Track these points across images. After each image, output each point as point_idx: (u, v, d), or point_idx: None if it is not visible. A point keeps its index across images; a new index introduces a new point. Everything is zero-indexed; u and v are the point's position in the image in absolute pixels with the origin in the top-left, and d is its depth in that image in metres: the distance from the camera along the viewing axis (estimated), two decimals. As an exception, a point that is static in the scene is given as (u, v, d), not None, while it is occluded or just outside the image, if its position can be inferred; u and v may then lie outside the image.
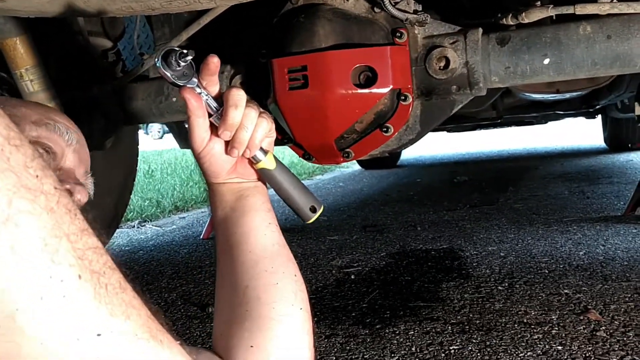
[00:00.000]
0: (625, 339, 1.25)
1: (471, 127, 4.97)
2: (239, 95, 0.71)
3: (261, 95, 1.35)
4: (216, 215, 0.80)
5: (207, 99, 0.72)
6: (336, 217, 3.27)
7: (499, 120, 4.19)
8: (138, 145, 2.49)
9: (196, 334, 1.53)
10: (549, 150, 6.40)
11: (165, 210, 4.13)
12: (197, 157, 0.76)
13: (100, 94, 1.66)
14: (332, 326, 1.47)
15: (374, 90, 1.23)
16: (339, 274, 2.00)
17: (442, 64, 1.27)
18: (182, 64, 0.69)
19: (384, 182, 5.04)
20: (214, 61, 0.72)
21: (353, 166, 6.86)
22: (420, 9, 1.26)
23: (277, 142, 1.50)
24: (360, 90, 1.23)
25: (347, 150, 1.35)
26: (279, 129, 1.38)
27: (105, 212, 2.29)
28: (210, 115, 0.73)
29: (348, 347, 1.32)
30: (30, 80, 1.50)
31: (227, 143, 0.74)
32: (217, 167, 0.76)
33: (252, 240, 0.77)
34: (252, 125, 0.73)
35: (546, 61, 1.25)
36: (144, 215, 3.91)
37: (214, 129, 0.73)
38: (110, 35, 1.80)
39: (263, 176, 0.80)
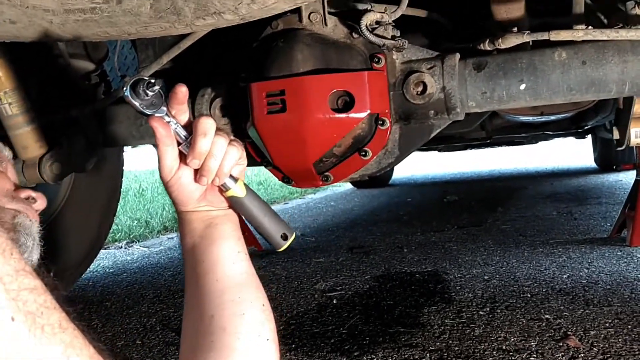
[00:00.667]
0: (603, 366, 1.24)
1: (461, 147, 4.99)
2: (207, 124, 0.72)
3: (241, 119, 1.35)
4: (185, 244, 0.79)
5: (176, 128, 0.72)
6: (324, 238, 3.25)
7: (489, 141, 4.21)
8: (123, 166, 2.48)
9: (172, 360, 1.51)
10: (539, 170, 6.42)
11: (153, 230, 4.11)
12: (166, 186, 0.76)
13: (80, 116, 1.65)
14: (309, 353, 1.46)
15: (352, 114, 1.23)
16: (321, 298, 1.98)
17: (420, 89, 1.27)
18: (150, 93, 0.70)
19: (375, 201, 5.03)
20: (182, 90, 0.73)
21: (345, 185, 6.86)
22: (398, 34, 1.27)
23: (255, 163, 1.50)
24: (338, 115, 1.23)
25: (327, 173, 1.35)
26: (257, 152, 1.38)
27: (88, 233, 2.27)
28: (179, 144, 0.73)
29: (324, 375, 1.30)
30: (9, 103, 1.49)
31: (196, 171, 0.74)
32: (185, 196, 0.76)
33: (219, 269, 0.76)
34: (221, 153, 0.73)
35: (522, 86, 1.25)
36: (132, 236, 3.88)
37: (183, 158, 0.73)
38: (93, 57, 1.80)
39: (233, 204, 0.79)
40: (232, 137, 0.76)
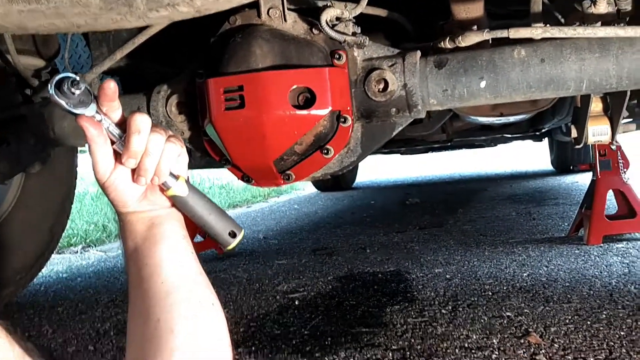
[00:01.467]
0: (563, 362, 1.24)
1: (423, 150, 5.05)
2: (142, 120, 0.68)
3: (198, 116, 1.31)
4: (127, 247, 0.75)
5: (108, 126, 0.69)
6: (287, 241, 3.22)
7: (450, 143, 4.27)
8: (76, 167, 2.40)
9: (127, 366, 1.44)
10: (498, 173, 6.55)
11: (111, 234, 3.99)
12: (102, 187, 0.72)
13: (29, 114, 1.58)
14: (269, 356, 1.42)
15: (313, 111, 1.21)
16: (283, 300, 1.95)
17: (381, 86, 1.26)
18: (77, 91, 0.66)
19: (339, 204, 5.03)
20: (111, 86, 0.69)
21: (309, 189, 6.84)
22: (359, 31, 1.26)
23: (215, 164, 1.45)
24: (298, 112, 1.20)
25: (288, 172, 1.32)
26: (215, 150, 1.34)
27: (40, 236, 2.18)
28: (113, 143, 0.69)
29: (285, 378, 1.27)
30: (-48, 101, 1.41)
31: (133, 171, 0.70)
32: (124, 197, 0.72)
33: (164, 271, 0.72)
34: (159, 151, 0.70)
35: (483, 84, 1.25)
36: (88, 240, 3.77)
37: (119, 157, 0.70)
38: (43, 53, 1.73)
39: (176, 203, 0.76)
40: (170, 133, 0.73)
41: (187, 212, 0.76)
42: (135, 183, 0.71)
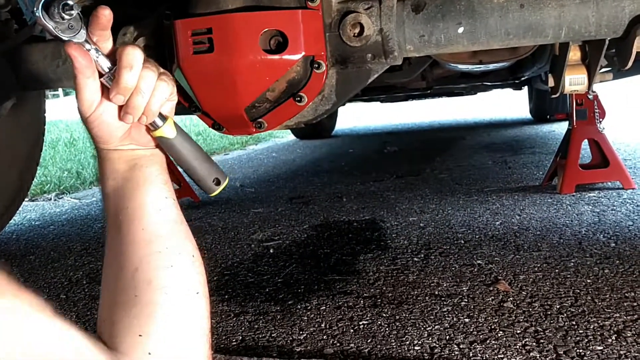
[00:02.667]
0: (530, 309, 1.27)
1: (403, 98, 5.01)
2: (134, 54, 0.64)
3: (166, 60, 1.26)
4: (106, 186, 0.71)
5: (97, 57, 0.64)
6: (264, 189, 3.21)
7: (429, 91, 4.23)
8: (45, 112, 2.32)
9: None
10: (477, 122, 6.55)
11: (85, 181, 3.93)
12: (85, 122, 0.68)
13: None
14: (242, 304, 1.43)
15: (285, 56, 1.17)
16: (258, 249, 1.95)
17: (357, 30, 1.22)
18: (67, 16, 0.61)
19: (317, 152, 5.01)
20: (105, 13, 0.63)
21: (287, 136, 6.79)
22: (334, -29, 1.20)
23: (184, 111, 1.41)
24: (270, 56, 1.16)
25: (260, 120, 1.29)
26: (185, 96, 1.30)
27: (8, 184, 2.13)
28: (101, 75, 0.65)
29: (256, 326, 1.28)
30: None
31: (120, 107, 0.66)
32: (107, 133, 0.68)
33: (145, 217, 0.69)
34: (150, 89, 0.65)
35: (460, 30, 1.22)
36: (62, 187, 3.70)
37: (106, 91, 0.65)
38: (1, -9, 1.63)
39: (161, 144, 0.72)
40: (162, 70, 0.68)
41: (173, 155, 0.73)
42: (121, 121, 0.67)
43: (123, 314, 0.66)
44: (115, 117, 0.67)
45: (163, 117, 0.69)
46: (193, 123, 7.01)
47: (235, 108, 1.24)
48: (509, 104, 7.63)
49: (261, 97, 1.24)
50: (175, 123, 0.72)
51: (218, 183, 0.75)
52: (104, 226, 0.72)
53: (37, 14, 0.60)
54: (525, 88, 5.44)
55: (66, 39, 0.61)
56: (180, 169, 3.61)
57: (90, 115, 0.66)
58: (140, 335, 0.62)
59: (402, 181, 3.06)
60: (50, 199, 3.45)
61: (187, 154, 0.73)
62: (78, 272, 1.83)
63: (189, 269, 0.70)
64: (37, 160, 2.32)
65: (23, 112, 2.12)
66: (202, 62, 1.16)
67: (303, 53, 1.17)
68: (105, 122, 0.67)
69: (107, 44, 0.66)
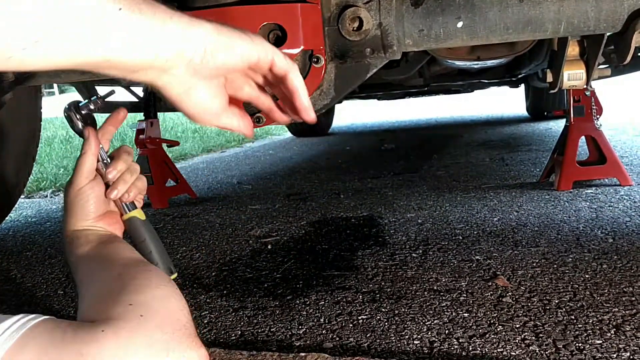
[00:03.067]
0: (529, 304, 1.26)
1: (400, 95, 5.01)
2: (130, 150, 0.84)
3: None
4: (77, 254, 0.80)
5: (101, 146, 0.82)
6: (261, 186, 3.20)
7: (427, 88, 4.23)
8: (41, 108, 2.31)
9: (96, 310, 1.43)
10: (474, 119, 6.56)
11: (82, 178, 3.92)
12: (77, 192, 0.80)
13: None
14: (241, 299, 1.42)
15: (284, 50, 1.15)
16: (255, 244, 1.94)
17: (356, 24, 1.21)
18: (85, 112, 0.83)
19: (314, 150, 5.00)
20: (121, 115, 0.85)
21: (284, 133, 6.79)
22: (333, -36, 1.20)
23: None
24: (268, 51, 1.15)
25: (258, 115, 1.28)
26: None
27: (3, 180, 2.12)
28: (98, 161, 0.81)
29: (255, 320, 1.27)
30: None
31: (106, 187, 0.81)
32: (91, 207, 0.80)
33: (121, 254, 0.78)
34: (136, 173, 0.83)
35: (459, 24, 1.22)
36: (58, 184, 3.69)
37: (97, 174, 0.82)
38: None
39: (130, 227, 0.84)
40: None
41: (138, 237, 0.84)
42: (107, 196, 0.81)
43: (111, 298, 0.67)
44: (101, 194, 0.81)
45: (134, 205, 0.85)
46: (189, 121, 6.98)
47: (234, 102, 1.23)
48: (505, 101, 7.65)
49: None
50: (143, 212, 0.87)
51: (171, 273, 0.84)
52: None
53: (68, 113, 0.83)
54: (522, 86, 5.45)
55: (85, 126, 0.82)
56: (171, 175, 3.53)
57: (83, 186, 0.80)
58: (130, 304, 0.64)
59: (400, 178, 3.06)
60: (47, 195, 3.44)
61: (151, 236, 0.85)
62: (75, 268, 1.82)
63: (171, 281, 0.75)
64: (33, 156, 2.31)
65: (19, 107, 2.11)
66: (200, 56, 1.15)
67: (302, 47, 1.16)
68: (92, 196, 0.80)
69: (108, 137, 0.84)
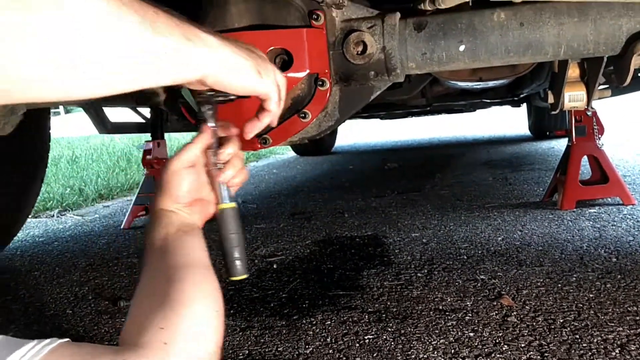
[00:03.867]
0: (534, 324, 1.27)
1: (403, 115, 5.04)
2: (238, 142, 0.81)
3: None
4: (151, 238, 0.78)
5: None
6: (266, 205, 3.22)
7: (429, 108, 4.26)
8: (49, 130, 2.34)
9: (104, 330, 1.44)
10: (476, 138, 6.59)
11: (88, 198, 3.95)
12: (173, 173, 0.78)
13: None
14: (248, 318, 1.43)
15: (290, 74, 1.19)
16: (261, 264, 1.96)
17: (360, 48, 1.24)
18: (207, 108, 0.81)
19: (318, 169, 5.03)
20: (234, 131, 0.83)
21: (288, 153, 6.82)
22: (338, -10, 1.23)
23: (190, 128, 1.42)
24: (275, 74, 1.18)
25: (265, 136, 1.31)
26: (191, 113, 1.32)
27: (12, 201, 2.15)
28: (209, 148, 0.79)
29: (262, 340, 1.29)
30: None
31: (197, 183, 0.80)
32: (184, 190, 0.78)
33: (188, 252, 0.76)
34: (241, 164, 0.81)
35: (462, 48, 1.24)
36: (64, 204, 3.72)
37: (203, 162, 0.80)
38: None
39: (223, 218, 0.81)
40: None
41: (229, 229, 0.81)
42: (215, 179, 0.80)
43: (150, 314, 0.69)
44: (190, 183, 0.79)
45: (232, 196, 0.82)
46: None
47: (241, 124, 1.26)
48: (508, 120, 7.67)
49: (267, 114, 1.26)
50: None
51: (242, 273, 0.82)
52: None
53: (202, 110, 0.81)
54: (524, 105, 5.48)
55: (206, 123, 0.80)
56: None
57: (178, 168, 0.78)
58: (161, 328, 0.65)
59: (404, 197, 3.07)
60: (53, 215, 3.46)
61: (239, 231, 0.82)
62: (83, 287, 1.83)
63: (217, 294, 0.74)
64: (41, 178, 2.34)
65: (28, 128, 2.14)
66: (209, 79, 1.18)
67: (307, 71, 1.19)
68: (188, 180, 0.78)
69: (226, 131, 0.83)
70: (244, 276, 0.82)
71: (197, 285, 0.72)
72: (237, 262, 0.81)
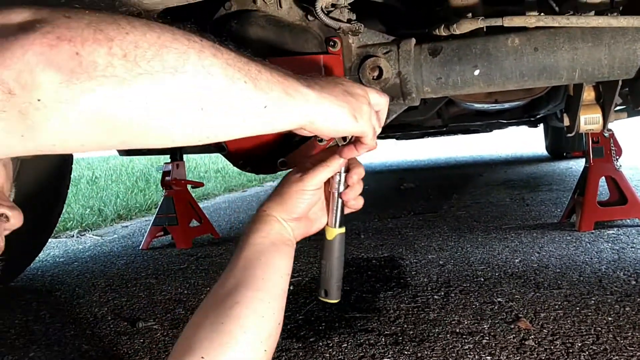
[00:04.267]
0: (552, 347, 1.27)
1: (419, 135, 5.04)
2: (362, 171, 0.85)
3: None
4: (243, 242, 0.81)
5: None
6: (282, 225, 3.23)
7: (445, 129, 4.27)
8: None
9: (123, 351, 1.46)
10: (493, 158, 6.56)
11: (107, 219, 4.00)
12: (300, 191, 0.81)
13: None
14: (265, 340, 1.44)
15: (308, 100, 1.21)
16: (278, 285, 1.96)
17: (376, 73, 1.27)
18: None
19: (333, 189, 5.03)
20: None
21: (304, 173, 6.83)
22: (354, 18, 1.26)
23: (208, 150, 1.44)
24: (293, 100, 1.21)
25: (283, 159, 1.33)
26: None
27: (34, 221, 2.19)
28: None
29: (279, 362, 1.29)
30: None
31: (327, 195, 0.83)
32: (301, 208, 0.81)
33: (270, 272, 0.79)
34: (360, 190, 0.84)
35: (476, 72, 1.26)
36: (84, 225, 3.77)
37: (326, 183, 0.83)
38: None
39: (335, 241, 0.84)
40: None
41: (334, 253, 0.84)
42: (341, 197, 0.82)
43: (202, 335, 0.71)
44: (312, 204, 0.82)
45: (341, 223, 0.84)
46: (212, 161, 7.11)
47: (261, 150, 1.28)
48: (525, 140, 7.64)
49: (285, 138, 1.29)
50: None
51: (337, 297, 0.84)
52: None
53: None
54: (541, 125, 5.45)
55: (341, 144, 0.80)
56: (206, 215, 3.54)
57: (306, 188, 0.81)
58: (202, 358, 0.66)
59: (420, 218, 3.07)
60: (73, 235, 3.51)
61: (340, 256, 0.85)
62: (103, 308, 1.86)
63: (274, 330, 0.75)
64: (64, 198, 2.39)
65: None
66: (228, 105, 1.21)
67: (325, 96, 1.21)
68: (309, 202, 0.81)
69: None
70: (338, 300, 0.84)
71: (256, 316, 0.73)
72: (336, 286, 0.84)
